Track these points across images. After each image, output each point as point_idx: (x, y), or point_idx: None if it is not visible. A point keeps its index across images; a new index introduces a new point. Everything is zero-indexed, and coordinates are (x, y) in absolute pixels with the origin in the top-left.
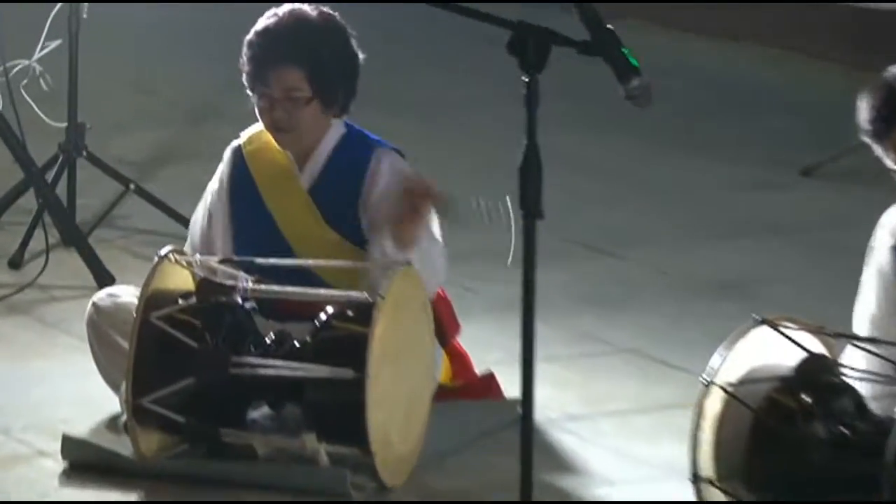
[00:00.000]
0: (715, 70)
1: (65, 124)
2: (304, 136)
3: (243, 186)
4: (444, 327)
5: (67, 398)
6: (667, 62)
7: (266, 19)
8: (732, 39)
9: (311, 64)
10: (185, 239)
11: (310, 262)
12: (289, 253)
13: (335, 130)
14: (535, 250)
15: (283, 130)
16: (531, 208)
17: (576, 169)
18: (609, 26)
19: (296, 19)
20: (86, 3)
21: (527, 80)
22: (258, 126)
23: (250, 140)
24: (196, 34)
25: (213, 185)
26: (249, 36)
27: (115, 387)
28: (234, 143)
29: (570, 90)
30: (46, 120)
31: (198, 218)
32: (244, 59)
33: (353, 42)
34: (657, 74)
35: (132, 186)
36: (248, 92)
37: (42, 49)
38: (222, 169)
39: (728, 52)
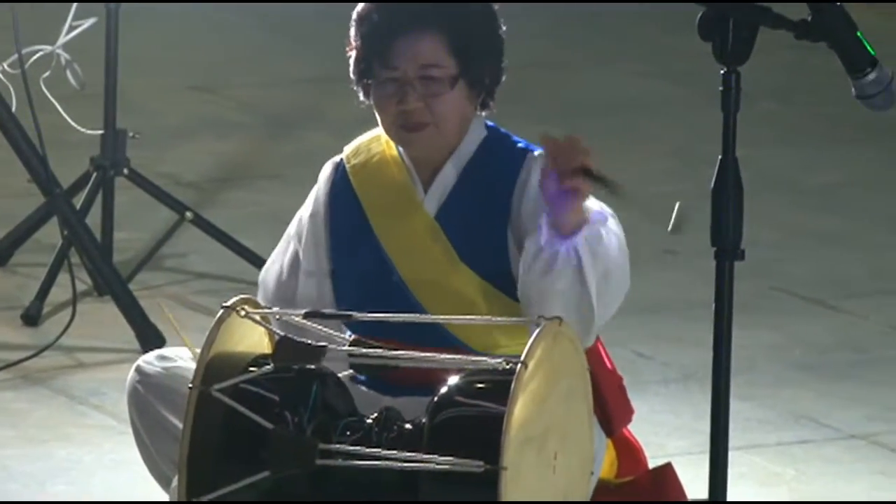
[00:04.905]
0: None
1: (100, 132)
2: (445, 134)
3: (346, 213)
4: (610, 409)
5: (99, 496)
6: None
7: None
8: None
9: (454, 28)
10: (256, 285)
11: (429, 317)
12: (407, 301)
13: (474, 133)
14: (731, 302)
15: (417, 127)
16: (727, 246)
17: (789, 193)
18: (838, 2)
19: None
20: None
21: (724, 73)
22: (368, 135)
23: (356, 152)
24: (278, 13)
25: (305, 211)
26: (360, 7)
27: (164, 481)
28: (335, 158)
29: (782, 86)
30: (75, 126)
31: (276, 258)
32: (354, 35)
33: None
34: None
35: (189, 215)
36: (356, 86)
37: (69, 31)
38: (317, 191)
39: None
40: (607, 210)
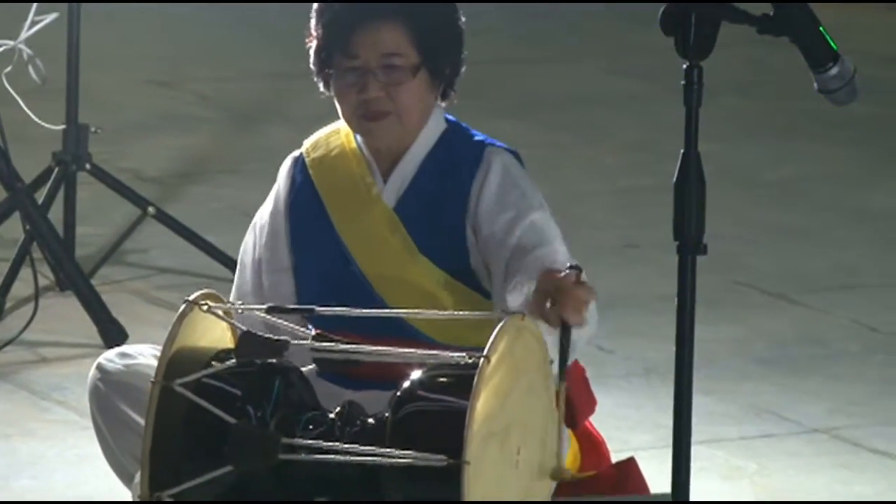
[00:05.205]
0: None
1: (62, 127)
2: (406, 123)
3: (305, 207)
4: (573, 403)
5: (61, 491)
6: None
7: None
8: None
9: (416, 19)
10: (219, 279)
11: (392, 311)
12: (368, 294)
13: (434, 125)
14: (694, 296)
15: (378, 116)
16: (690, 240)
17: (752, 187)
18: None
19: None
20: None
21: (686, 68)
22: (327, 129)
23: (315, 146)
24: (239, 9)
25: (265, 207)
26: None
27: (126, 477)
28: (293, 153)
29: (748, 83)
30: (37, 121)
31: (248, 251)
32: (315, 24)
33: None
34: (882, 65)
35: (151, 210)
36: (316, 77)
37: (31, 26)
38: (277, 187)
39: None
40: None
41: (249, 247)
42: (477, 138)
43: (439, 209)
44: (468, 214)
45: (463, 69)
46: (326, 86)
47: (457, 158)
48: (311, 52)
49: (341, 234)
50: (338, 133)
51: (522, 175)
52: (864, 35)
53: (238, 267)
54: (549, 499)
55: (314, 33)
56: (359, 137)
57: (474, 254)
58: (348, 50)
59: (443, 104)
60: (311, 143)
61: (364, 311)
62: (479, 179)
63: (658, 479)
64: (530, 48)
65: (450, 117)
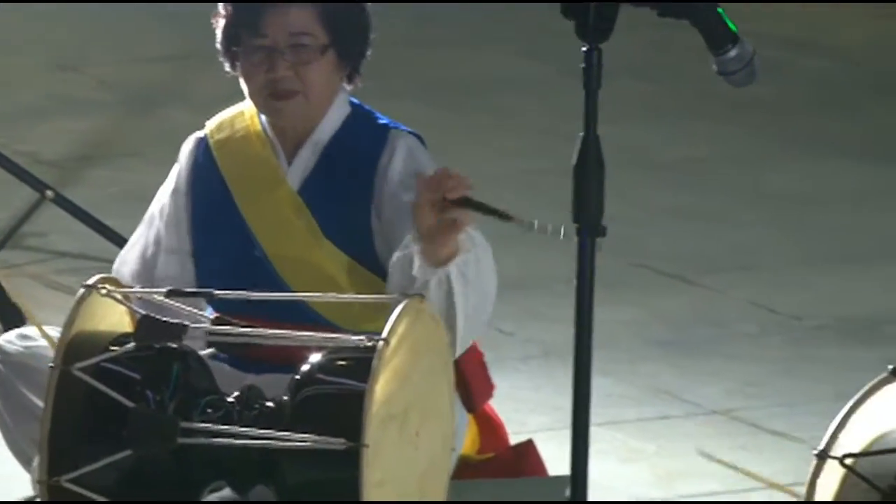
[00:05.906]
0: (860, 46)
1: None
2: (313, 103)
3: (208, 188)
4: (471, 385)
5: None
6: (799, 34)
7: None
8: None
9: (325, 1)
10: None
11: (293, 294)
12: (270, 277)
13: (339, 108)
14: (593, 278)
15: (286, 95)
16: (589, 222)
17: (652, 170)
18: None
19: None
20: None
21: (585, 51)
22: (231, 110)
23: (220, 127)
24: None
25: (166, 188)
26: None
27: (25, 460)
28: (197, 134)
29: (649, 66)
30: None
31: (136, 240)
32: (224, 4)
33: None
34: (782, 48)
35: (50, 194)
36: (223, 56)
37: None
38: (179, 167)
39: (877, 27)
40: (479, 237)
41: (138, 235)
42: (381, 121)
43: (344, 192)
44: (373, 197)
45: (369, 52)
46: (232, 65)
47: (361, 143)
48: (219, 30)
49: (245, 217)
50: (242, 115)
51: (426, 158)
52: (763, 17)
53: (120, 255)
54: (447, 480)
55: (222, 11)
56: (264, 119)
57: (378, 237)
58: (257, 29)
59: (348, 87)
60: (216, 125)
61: (264, 294)
62: (384, 162)
63: (556, 462)
64: (435, 30)
65: (354, 100)
